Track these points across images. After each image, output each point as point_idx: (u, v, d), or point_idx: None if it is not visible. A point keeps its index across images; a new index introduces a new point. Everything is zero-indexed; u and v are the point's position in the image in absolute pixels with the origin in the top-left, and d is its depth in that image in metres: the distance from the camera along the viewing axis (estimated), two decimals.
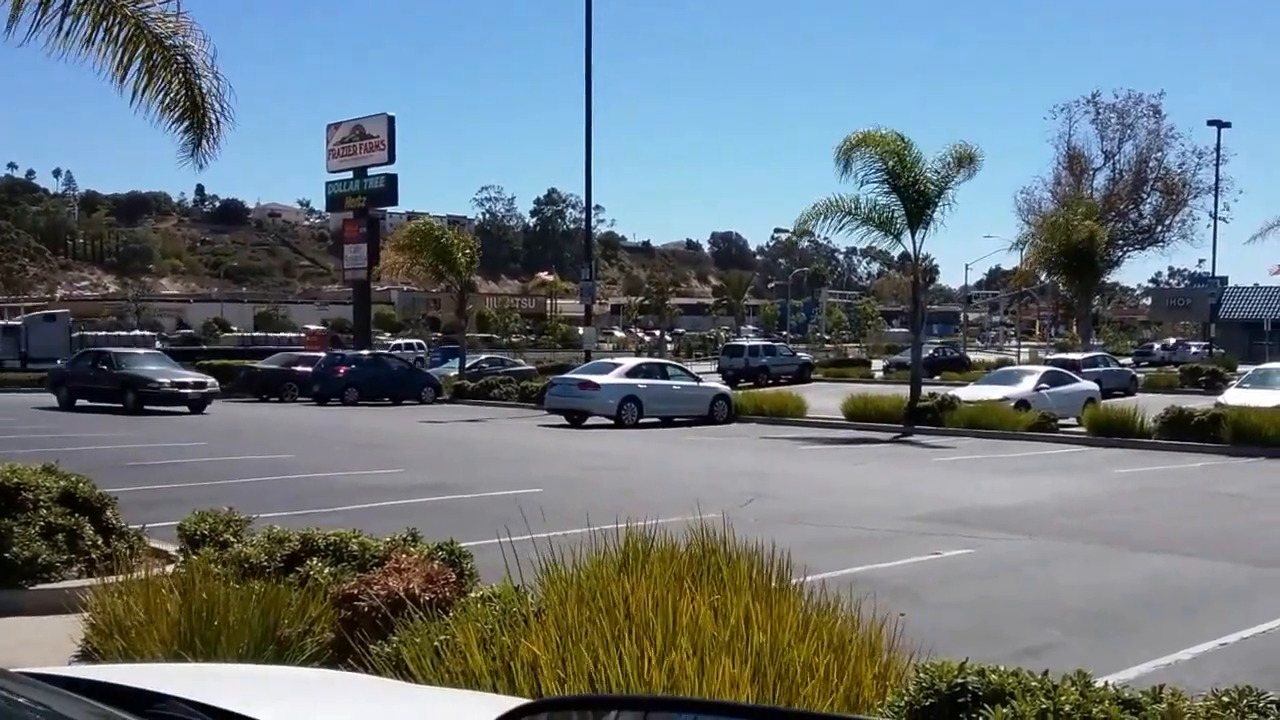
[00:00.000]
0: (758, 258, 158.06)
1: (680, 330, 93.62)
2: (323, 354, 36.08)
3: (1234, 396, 21.60)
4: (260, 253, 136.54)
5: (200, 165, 8.52)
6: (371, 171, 40.88)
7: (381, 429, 22.11)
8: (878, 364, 51.01)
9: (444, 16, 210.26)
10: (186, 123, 8.13)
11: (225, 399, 29.00)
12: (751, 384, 36.70)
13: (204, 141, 8.30)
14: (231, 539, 6.21)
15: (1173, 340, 68.99)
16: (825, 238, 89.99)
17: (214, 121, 8.19)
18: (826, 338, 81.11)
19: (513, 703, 1.50)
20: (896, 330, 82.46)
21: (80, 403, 26.32)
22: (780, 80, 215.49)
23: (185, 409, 25.26)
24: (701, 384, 25.76)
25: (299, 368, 32.95)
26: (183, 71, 7.93)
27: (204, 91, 8.08)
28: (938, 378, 37.42)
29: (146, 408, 24.99)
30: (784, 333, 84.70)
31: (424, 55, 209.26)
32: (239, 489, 11.38)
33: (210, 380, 27.02)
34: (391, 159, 40.27)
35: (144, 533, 7.35)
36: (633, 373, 24.39)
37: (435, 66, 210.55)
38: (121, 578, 5.41)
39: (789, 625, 3.98)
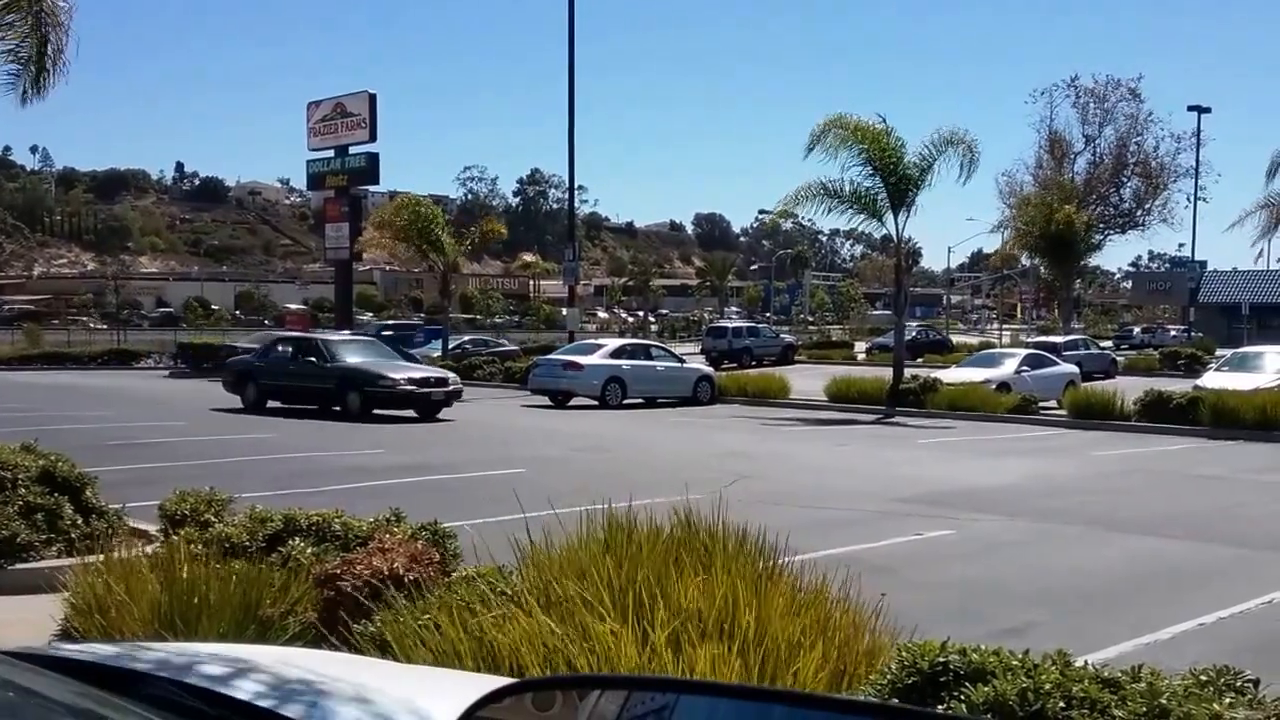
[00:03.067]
0: (741, 239, 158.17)
1: (664, 311, 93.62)
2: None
3: (1212, 380, 21.81)
4: (240, 231, 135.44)
5: (22, 103, 8.74)
6: (353, 150, 40.46)
7: None
8: (861, 346, 51.16)
9: None
10: (22, 65, 8.22)
11: (209, 379, 28.66)
12: (735, 365, 36.75)
13: (38, 87, 8.38)
14: (213, 519, 6.17)
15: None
16: (809, 220, 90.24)
17: (48, 71, 8.29)
18: (810, 319, 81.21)
19: (495, 682, 1.49)
20: (880, 312, 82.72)
21: (272, 404, 20.81)
22: (764, 60, 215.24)
23: (413, 413, 19.62)
24: (685, 365, 25.80)
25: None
26: (34, 16, 7.96)
27: (53, 45, 8.14)
28: (920, 360, 37.54)
29: (375, 412, 19.39)
30: (768, 314, 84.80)
31: (407, 33, 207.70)
32: (220, 468, 11.32)
33: (452, 376, 21.55)
34: (373, 137, 39.85)
35: (124, 512, 7.30)
36: (617, 354, 24.36)
37: (418, 45, 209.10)
38: (101, 557, 5.38)
39: (773, 605, 3.99)
